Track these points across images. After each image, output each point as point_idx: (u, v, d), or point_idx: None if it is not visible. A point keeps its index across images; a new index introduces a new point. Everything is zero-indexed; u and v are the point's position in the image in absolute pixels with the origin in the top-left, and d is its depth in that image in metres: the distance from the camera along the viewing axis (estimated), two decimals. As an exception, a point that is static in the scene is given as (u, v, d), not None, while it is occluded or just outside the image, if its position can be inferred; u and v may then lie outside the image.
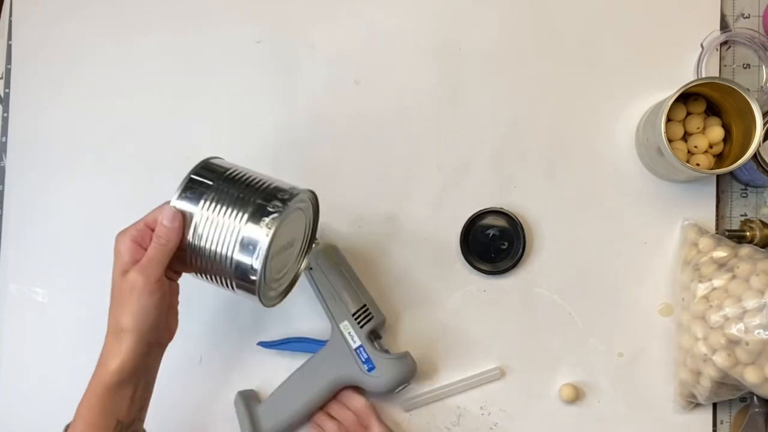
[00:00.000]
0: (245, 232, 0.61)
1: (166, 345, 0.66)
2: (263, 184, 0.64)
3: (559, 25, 0.83)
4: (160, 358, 0.66)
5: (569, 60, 0.83)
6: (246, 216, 0.61)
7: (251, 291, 0.63)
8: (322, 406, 0.78)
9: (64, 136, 0.86)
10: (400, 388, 0.77)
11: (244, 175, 0.65)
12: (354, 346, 0.76)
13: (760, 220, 0.78)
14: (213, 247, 0.62)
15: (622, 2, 0.83)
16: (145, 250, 0.61)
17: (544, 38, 0.83)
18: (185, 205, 0.63)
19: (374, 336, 0.77)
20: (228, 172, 0.64)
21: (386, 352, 0.77)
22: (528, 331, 0.81)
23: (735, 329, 0.68)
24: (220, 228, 0.62)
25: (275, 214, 0.61)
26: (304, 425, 0.80)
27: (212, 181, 0.64)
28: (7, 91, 0.87)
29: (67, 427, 0.64)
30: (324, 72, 0.84)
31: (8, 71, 0.87)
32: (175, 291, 0.66)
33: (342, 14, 0.85)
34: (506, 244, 0.80)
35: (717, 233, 0.79)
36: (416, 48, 0.84)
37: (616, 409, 0.79)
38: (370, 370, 0.75)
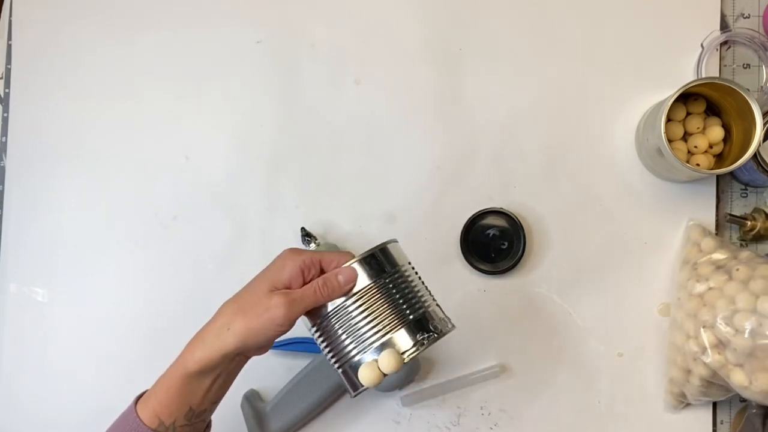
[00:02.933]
0: (378, 351, 0.59)
1: (252, 357, 0.65)
2: (426, 302, 0.62)
3: (559, 25, 0.83)
4: (244, 365, 0.65)
5: (569, 60, 0.83)
6: (385, 339, 0.59)
7: (351, 385, 0.61)
8: (327, 407, 0.78)
9: (64, 136, 0.86)
10: (405, 385, 0.77)
11: (414, 285, 0.63)
12: None
13: (764, 211, 0.78)
14: (345, 333, 0.60)
15: (622, 2, 0.83)
16: (304, 282, 0.61)
17: (544, 38, 0.83)
18: (360, 273, 0.61)
19: None
20: (397, 271, 0.62)
21: None
22: (528, 331, 0.81)
23: (725, 330, 0.68)
24: (366, 321, 0.60)
25: (423, 339, 0.60)
26: (310, 424, 0.80)
27: (382, 274, 0.61)
28: (7, 91, 0.87)
29: (138, 399, 0.63)
30: (324, 72, 0.84)
31: (8, 71, 0.87)
32: None
33: (342, 14, 0.85)
34: (506, 244, 0.80)
35: (717, 230, 0.79)
36: (416, 48, 0.84)
37: (616, 409, 0.79)
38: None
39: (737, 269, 0.70)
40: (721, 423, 0.79)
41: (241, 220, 0.83)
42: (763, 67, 0.81)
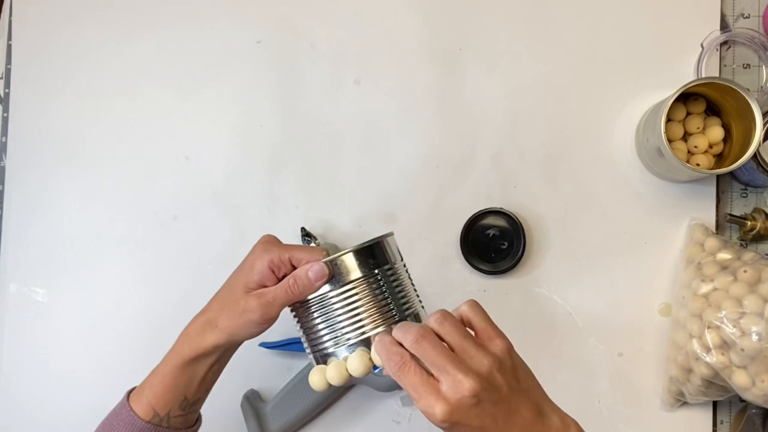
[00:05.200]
0: (354, 349, 0.59)
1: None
2: (412, 305, 0.61)
3: (559, 25, 0.83)
4: (235, 351, 0.65)
5: (569, 60, 0.83)
6: (361, 338, 0.58)
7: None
8: (327, 407, 0.78)
9: (64, 136, 0.86)
10: None
11: (403, 285, 0.61)
12: None
13: (764, 211, 0.78)
14: (322, 326, 0.59)
15: (622, 2, 0.83)
16: (277, 279, 0.60)
17: (544, 38, 0.83)
18: (338, 268, 0.59)
19: None
20: (390, 269, 0.61)
21: None
22: (528, 331, 0.81)
23: (731, 331, 0.68)
24: (345, 318, 0.59)
25: None
26: (310, 424, 0.80)
27: (372, 266, 0.59)
28: (7, 91, 0.87)
29: (129, 393, 0.64)
30: (324, 72, 0.84)
31: (8, 71, 0.87)
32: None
33: (342, 14, 0.85)
34: (506, 244, 0.80)
35: (717, 230, 0.79)
36: (416, 48, 0.84)
37: (616, 409, 0.79)
38: (375, 368, 0.75)
39: (744, 270, 0.70)
40: (721, 423, 0.79)
41: (241, 220, 0.83)
42: (763, 67, 0.81)
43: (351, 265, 0.59)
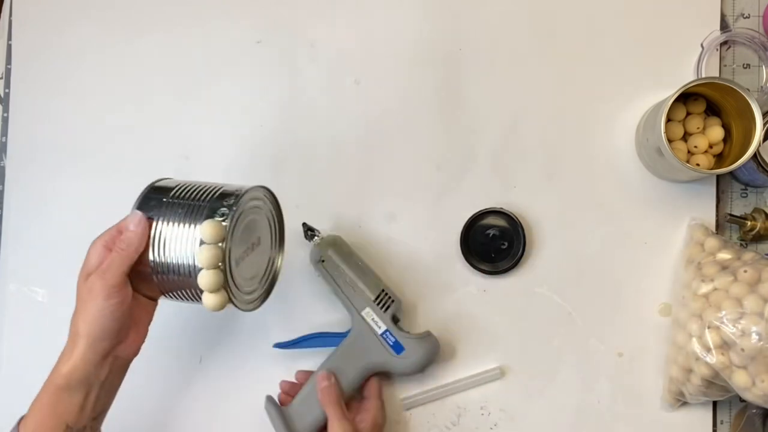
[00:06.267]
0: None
1: (127, 360, 0.64)
2: (211, 190, 0.64)
3: (559, 25, 0.83)
4: (121, 373, 0.64)
5: (569, 60, 0.83)
6: (198, 223, 0.61)
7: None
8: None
9: (64, 137, 0.86)
10: (428, 366, 0.77)
11: (193, 186, 0.65)
12: (379, 331, 0.76)
13: (764, 211, 0.78)
14: (174, 260, 0.61)
15: (622, 2, 0.83)
16: None
17: (544, 38, 0.83)
18: (147, 209, 0.64)
19: (394, 320, 0.78)
20: (177, 188, 0.65)
21: (408, 333, 0.77)
22: (528, 331, 0.81)
23: (731, 331, 0.68)
24: (177, 239, 0.61)
25: (225, 216, 0.61)
26: None
27: (164, 197, 0.64)
28: (7, 91, 0.87)
29: (21, 420, 0.63)
30: (324, 72, 0.84)
31: (8, 71, 0.87)
32: (143, 306, 0.65)
33: (342, 14, 0.85)
34: (506, 244, 0.80)
35: (717, 230, 0.79)
36: (416, 48, 0.84)
37: (616, 409, 0.79)
38: (398, 352, 0.76)
39: (745, 271, 0.70)
40: (721, 423, 0.79)
41: (241, 220, 0.83)
42: (763, 67, 0.81)
43: (153, 200, 0.64)
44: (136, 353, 0.64)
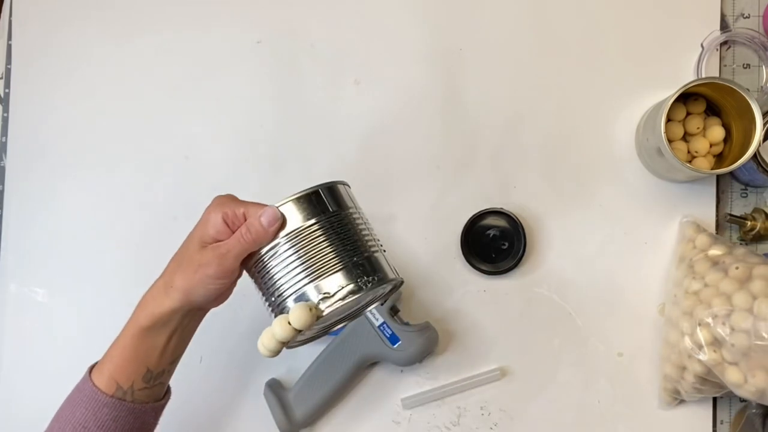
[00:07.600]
0: (316, 288, 0.57)
1: (208, 311, 0.64)
2: (370, 247, 0.60)
3: (559, 26, 0.83)
4: (201, 320, 0.64)
5: (569, 60, 0.83)
6: (327, 275, 0.57)
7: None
8: (350, 387, 0.78)
9: (64, 136, 0.86)
10: (426, 357, 0.78)
11: (360, 224, 0.60)
12: (377, 323, 0.77)
13: (764, 211, 0.78)
14: (280, 275, 0.58)
15: (622, 2, 0.83)
16: (232, 232, 0.59)
17: (544, 38, 0.83)
18: (289, 214, 0.58)
19: (393, 311, 0.78)
20: (350, 211, 0.60)
21: (407, 324, 0.77)
22: (528, 331, 0.81)
23: (721, 328, 0.68)
24: (300, 262, 0.57)
25: (347, 293, 0.57)
26: (333, 408, 0.80)
27: (331, 208, 0.59)
28: (7, 91, 0.87)
29: (92, 368, 0.62)
30: (324, 72, 0.84)
31: (8, 71, 0.87)
32: (238, 273, 0.63)
33: (342, 14, 0.85)
34: (506, 244, 0.80)
35: (717, 230, 0.79)
36: (416, 48, 0.84)
37: (616, 409, 0.79)
38: (395, 344, 0.76)
39: (736, 267, 0.70)
40: (721, 423, 0.79)
41: (241, 220, 0.83)
42: (763, 67, 0.81)
43: (303, 208, 0.58)
44: (221, 304, 0.63)
